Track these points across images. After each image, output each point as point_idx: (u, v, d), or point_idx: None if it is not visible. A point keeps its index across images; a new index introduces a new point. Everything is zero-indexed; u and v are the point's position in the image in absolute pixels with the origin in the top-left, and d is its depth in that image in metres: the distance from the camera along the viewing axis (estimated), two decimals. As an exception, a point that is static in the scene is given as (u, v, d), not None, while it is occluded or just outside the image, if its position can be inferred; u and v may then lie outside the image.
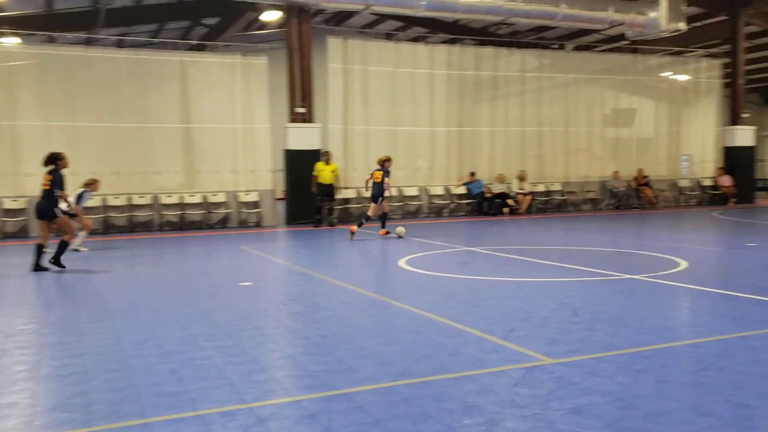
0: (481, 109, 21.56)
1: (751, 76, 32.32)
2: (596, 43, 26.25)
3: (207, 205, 17.89)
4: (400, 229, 14.39)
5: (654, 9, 20.10)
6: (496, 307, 6.92)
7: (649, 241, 13.32)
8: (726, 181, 24.02)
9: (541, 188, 21.91)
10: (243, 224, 18.18)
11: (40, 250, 10.21)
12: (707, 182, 24.61)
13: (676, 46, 24.85)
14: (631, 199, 23.10)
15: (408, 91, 20.17)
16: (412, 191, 20.19)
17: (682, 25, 20.53)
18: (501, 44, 22.47)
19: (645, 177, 23.11)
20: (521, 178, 21.12)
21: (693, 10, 23.08)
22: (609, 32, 25.18)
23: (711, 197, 24.32)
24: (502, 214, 20.38)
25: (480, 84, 21.44)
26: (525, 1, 18.75)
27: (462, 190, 20.82)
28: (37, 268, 10.13)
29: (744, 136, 24.20)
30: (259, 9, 19.03)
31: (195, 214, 17.68)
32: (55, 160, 10.24)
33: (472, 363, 4.93)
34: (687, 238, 13.93)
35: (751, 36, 26.32)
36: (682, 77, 24.86)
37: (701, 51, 26.09)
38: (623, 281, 8.36)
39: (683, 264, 9.66)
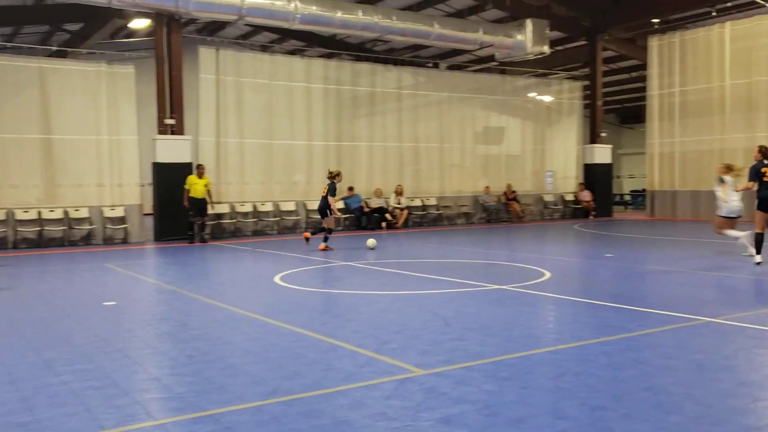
0: (359, 124, 21.81)
1: (608, 98, 34.77)
2: (468, 63, 27.35)
3: (68, 221, 16.88)
4: (371, 241, 14.51)
5: (520, 32, 21.23)
6: (370, 320, 6.99)
7: (517, 252, 13.97)
8: (586, 196, 25.65)
9: (417, 203, 22.43)
10: (108, 241, 17.30)
11: None
12: (570, 197, 26.16)
13: (540, 68, 26.37)
14: (501, 212, 24.14)
15: (284, 104, 20.06)
16: (290, 206, 20.04)
17: (546, 49, 21.82)
18: (378, 60, 22.89)
19: (513, 192, 24.25)
20: (398, 193, 21.54)
21: (556, 34, 24.59)
22: (480, 53, 26.34)
23: (573, 211, 25.88)
24: (379, 228, 20.65)
25: (358, 99, 21.70)
26: (400, 19, 19.24)
27: (340, 204, 20.92)
28: None
29: (602, 153, 25.97)
30: (127, 16, 18.28)
31: (55, 231, 16.63)
32: None
33: (344, 378, 4.94)
34: (551, 250, 14.73)
35: (608, 60, 28.41)
36: (547, 98, 26.38)
37: (563, 73, 27.82)
38: (493, 292, 8.70)
39: (548, 274, 10.20)
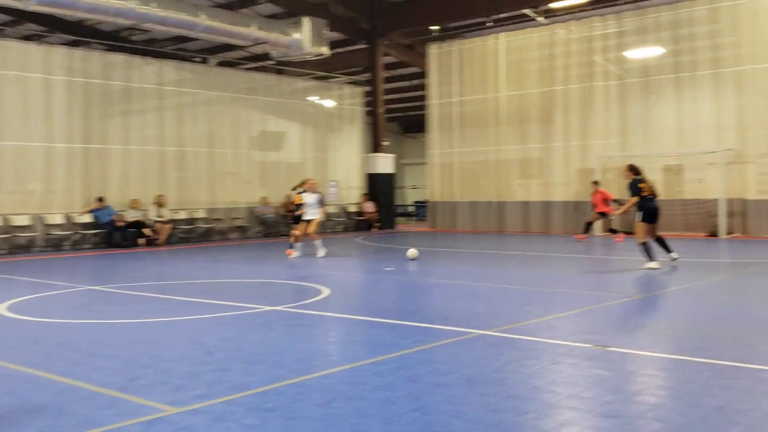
0: (111, 124, 20.65)
1: (391, 106, 36.45)
2: (242, 61, 27.15)
3: None
4: (413, 251, 14.72)
5: (298, 30, 21.52)
6: (118, 354, 6.57)
7: (295, 269, 14.05)
8: (370, 207, 26.65)
9: (183, 215, 21.71)
10: None
11: None
12: (353, 208, 26.99)
13: (320, 70, 26.96)
14: (280, 226, 24.19)
15: (16, 98, 18.44)
16: (23, 220, 18.36)
17: (326, 50, 22.36)
18: (135, 52, 21.86)
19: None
20: (160, 204, 20.66)
21: (336, 35, 25.29)
22: (254, 50, 26.27)
23: (357, 223, 26.73)
24: (137, 245, 19.66)
25: (110, 95, 20.55)
26: (161, 6, 18.55)
27: (88, 218, 19.57)
28: None
29: (385, 163, 27.16)
30: None
31: None
32: None
33: (79, 423, 4.56)
34: (331, 265, 15.01)
35: (390, 66, 29.82)
36: (328, 102, 27.02)
37: (345, 78, 28.70)
38: (264, 314, 8.63)
39: (326, 291, 10.36)
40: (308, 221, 16.06)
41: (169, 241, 20.70)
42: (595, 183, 19.89)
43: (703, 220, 20.60)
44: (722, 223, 19.76)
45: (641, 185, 12.43)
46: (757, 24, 19.52)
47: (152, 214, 20.47)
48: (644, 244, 12.41)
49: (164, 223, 20.53)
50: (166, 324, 8.16)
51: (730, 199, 19.93)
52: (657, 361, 6.08)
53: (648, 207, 12.32)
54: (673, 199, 21.02)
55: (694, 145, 20.65)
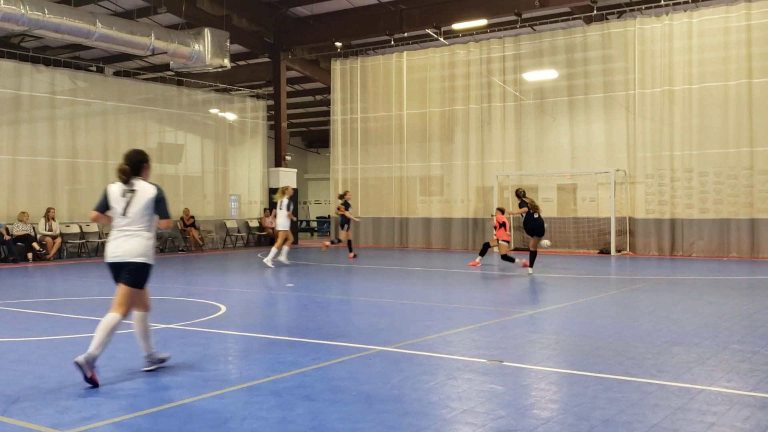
0: (-1, 133, 19.67)
1: (294, 120, 36.40)
2: (140, 71, 26.45)
3: None
4: (546, 242, 15.41)
5: (198, 42, 21.15)
6: (-2, 375, 6.22)
7: (193, 286, 13.73)
8: (272, 222, 26.36)
9: (74, 229, 20.85)
10: None
11: None
12: (254, 223, 26.65)
13: (222, 83, 26.59)
14: (177, 240, 23.61)
15: None
16: None
17: (227, 62, 22.06)
18: (25, 59, 20.91)
19: (191, 217, 23.91)
20: (50, 218, 19.77)
21: (238, 48, 25.04)
22: (153, 60, 25.66)
23: (258, 238, 26.39)
24: (25, 260, 18.74)
25: (-3, 103, 19.59)
26: (54, 13, 17.84)
27: (-28, 231, 18.53)
28: None
29: (287, 177, 26.98)
30: None
31: None
32: None
33: (-48, 451, 4.28)
34: (231, 282, 14.78)
35: (293, 81, 29.75)
36: (230, 115, 26.65)
37: (247, 91, 28.41)
38: (158, 332, 8.34)
39: (223, 308, 10.17)
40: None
41: (59, 256, 19.83)
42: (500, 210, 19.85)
43: (595, 238, 21.49)
44: (612, 241, 20.67)
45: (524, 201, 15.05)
46: (646, 50, 20.61)
47: (41, 228, 19.56)
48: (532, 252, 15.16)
49: (54, 237, 19.66)
50: (54, 342, 7.80)
51: (620, 218, 20.89)
52: (549, 376, 6.27)
53: (534, 222, 14.87)
54: (567, 217, 21.88)
55: (587, 166, 21.55)
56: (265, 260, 17.36)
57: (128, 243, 6.18)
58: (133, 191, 6.20)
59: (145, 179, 6.33)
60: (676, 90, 20.20)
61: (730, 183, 19.42)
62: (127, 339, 7.88)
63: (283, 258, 17.53)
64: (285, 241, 17.29)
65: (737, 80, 19.32)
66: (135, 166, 6.26)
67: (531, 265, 15.03)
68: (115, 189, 6.24)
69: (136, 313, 6.28)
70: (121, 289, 6.15)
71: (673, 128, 20.23)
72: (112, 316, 6.00)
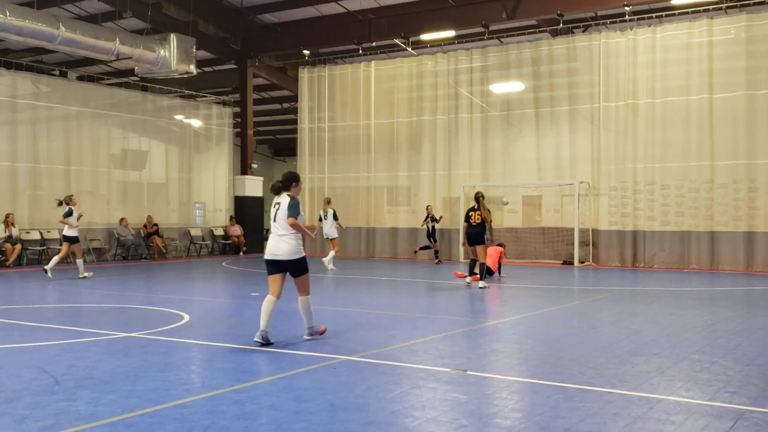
0: (-43, 137, 19.32)
1: (261, 128, 36.29)
2: (104, 75, 26.17)
3: None
4: None
5: (164, 47, 20.98)
6: (-47, 384, 6.10)
7: (156, 294, 13.59)
8: (237, 230, 26.22)
9: (35, 235, 20.52)
10: None
11: None
12: (219, 231, 26.46)
13: (187, 89, 26.42)
14: (141, 248, 23.34)
15: None
16: None
17: (193, 68, 21.90)
18: (-14, 62, 20.60)
19: (155, 225, 23.66)
20: (9, 223, 19.43)
21: (204, 54, 24.91)
22: (117, 65, 25.41)
23: (223, 246, 26.21)
24: (-18, 267, 18.40)
25: (-44, 106, 19.24)
26: (16, 15, 17.58)
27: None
28: None
29: (253, 186, 26.88)
30: None
31: None
32: None
33: None
34: (195, 290, 14.65)
35: (260, 88, 29.67)
36: (195, 122, 26.46)
37: (213, 97, 28.25)
38: (119, 340, 8.28)
39: (186, 317, 10.08)
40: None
41: (19, 263, 19.48)
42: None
43: (558, 249, 21.74)
44: (576, 251, 20.93)
45: (471, 213, 14.44)
46: (610, 64, 20.96)
47: (0, 234, 19.19)
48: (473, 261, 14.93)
49: (13, 243, 19.31)
50: (11, 351, 7.67)
51: (583, 229, 21.17)
52: (512, 385, 6.33)
53: (468, 232, 14.44)
54: (533, 227, 22.10)
55: (552, 177, 21.82)
56: (328, 267, 18.48)
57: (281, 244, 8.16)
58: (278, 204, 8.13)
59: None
60: (639, 104, 20.57)
61: (691, 196, 19.81)
62: (83, 348, 7.80)
63: (329, 263, 18.57)
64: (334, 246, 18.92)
65: (699, 95, 19.74)
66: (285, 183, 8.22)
67: (482, 278, 14.42)
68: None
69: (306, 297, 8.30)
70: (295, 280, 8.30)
71: (637, 141, 20.59)
72: (302, 299, 8.28)
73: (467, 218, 14.47)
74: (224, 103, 27.84)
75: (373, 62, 25.08)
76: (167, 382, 6.27)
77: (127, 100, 24.11)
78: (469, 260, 15.43)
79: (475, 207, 14.45)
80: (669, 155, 20.13)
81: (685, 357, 7.41)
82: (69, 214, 15.91)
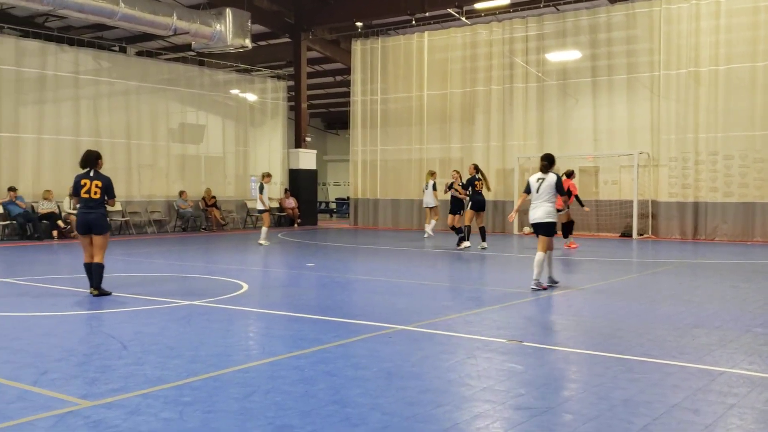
0: (24, 112, 19.97)
1: (314, 101, 36.42)
2: (162, 51, 26.57)
3: None
4: None
5: (220, 22, 21.20)
6: (28, 347, 6.38)
7: (215, 264, 13.89)
8: (291, 203, 26.51)
9: (98, 208, 21.07)
10: None
11: None
12: (274, 204, 26.78)
13: (243, 63, 26.66)
14: (199, 220, 23.82)
15: None
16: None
17: (248, 42, 22.10)
18: (50, 39, 21.09)
19: (213, 197, 24.10)
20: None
21: (258, 28, 25.05)
22: (174, 40, 25.77)
23: (278, 219, 26.55)
24: (50, 237, 19.02)
25: (23, 83, 19.86)
26: (78, -8, 17.96)
27: (-2, 209, 18.84)
28: None
29: (307, 159, 27.09)
30: None
31: None
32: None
33: (-15, 419, 4.42)
34: (252, 260, 14.92)
35: (313, 61, 29.73)
36: (250, 96, 26.72)
37: (267, 71, 28.46)
38: (182, 308, 8.51)
39: (245, 286, 10.30)
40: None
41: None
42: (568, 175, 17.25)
43: (616, 221, 21.39)
44: (635, 223, 20.57)
45: (476, 182, 16.09)
46: (672, 31, 20.36)
47: (66, 206, 19.83)
48: (467, 227, 16.38)
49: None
50: (80, 318, 7.97)
51: (642, 201, 20.76)
52: (569, 356, 6.31)
53: (475, 199, 16.07)
54: (589, 199, 21.75)
55: (610, 148, 21.41)
56: (427, 231, 20.27)
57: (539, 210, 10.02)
58: (543, 179, 10.02)
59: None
60: (702, 71, 19.96)
61: (756, 166, 19.21)
62: (147, 316, 8.03)
63: (429, 230, 20.15)
64: (434, 215, 20.09)
65: (765, 61, 19.05)
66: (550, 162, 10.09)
67: (483, 241, 16.44)
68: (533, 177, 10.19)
69: (544, 253, 9.98)
70: (540, 238, 10.01)
71: (698, 110, 20.02)
72: (539, 254, 9.90)
73: (472, 186, 16.08)
74: (278, 77, 28.03)
75: (426, 33, 24.87)
76: (229, 348, 6.44)
77: (185, 74, 24.47)
78: (465, 227, 16.54)
79: (478, 177, 16.15)
80: (732, 124, 19.52)
81: (748, 330, 7.26)
82: (261, 189, 17.76)
